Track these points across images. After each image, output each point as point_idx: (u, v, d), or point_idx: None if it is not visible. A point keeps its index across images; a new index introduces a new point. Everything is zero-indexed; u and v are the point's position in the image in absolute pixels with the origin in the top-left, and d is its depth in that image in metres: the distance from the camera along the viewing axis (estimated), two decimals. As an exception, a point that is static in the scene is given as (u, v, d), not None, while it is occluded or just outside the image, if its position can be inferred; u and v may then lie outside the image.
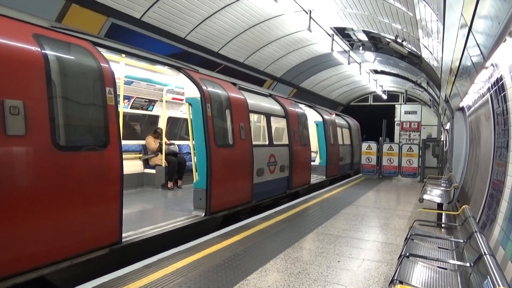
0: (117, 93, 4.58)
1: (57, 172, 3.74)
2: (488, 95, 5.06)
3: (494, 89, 4.57)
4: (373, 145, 15.65)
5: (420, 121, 24.45)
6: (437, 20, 6.32)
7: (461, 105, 8.80)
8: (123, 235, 4.61)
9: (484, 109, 5.69)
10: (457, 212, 5.44)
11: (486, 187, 5.14)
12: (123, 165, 4.49)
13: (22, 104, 3.42)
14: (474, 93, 6.32)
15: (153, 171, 8.91)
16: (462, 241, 3.92)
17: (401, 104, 24.86)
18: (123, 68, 6.22)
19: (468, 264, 3.11)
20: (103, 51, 4.78)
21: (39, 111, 3.60)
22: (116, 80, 4.62)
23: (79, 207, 3.98)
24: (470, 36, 3.85)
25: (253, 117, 9.94)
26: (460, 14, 3.85)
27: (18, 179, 3.43)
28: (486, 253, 2.81)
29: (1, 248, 3.27)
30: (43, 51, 3.74)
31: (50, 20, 4.89)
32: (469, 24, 3.62)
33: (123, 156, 4.65)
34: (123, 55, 5.51)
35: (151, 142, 8.94)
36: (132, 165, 8.70)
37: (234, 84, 8.08)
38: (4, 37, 3.46)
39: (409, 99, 23.93)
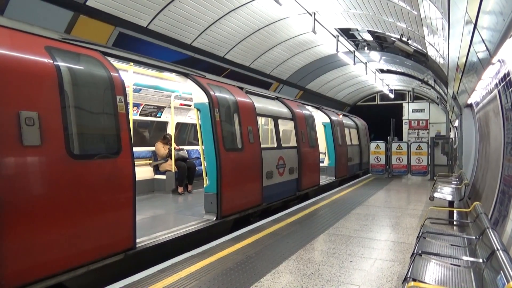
0: (127, 101, 4.67)
1: (72, 180, 3.82)
2: (496, 91, 5.05)
3: (502, 84, 4.56)
4: (382, 145, 15.59)
5: (428, 119, 24.28)
6: (442, 18, 6.32)
7: (469, 102, 8.75)
8: (137, 240, 4.68)
9: (493, 105, 5.67)
10: (469, 209, 5.41)
11: (497, 183, 5.12)
12: (135, 171, 4.57)
13: (37, 115, 3.51)
14: (482, 89, 6.29)
15: (163, 176, 8.99)
16: (474, 237, 3.91)
17: (408, 102, 24.73)
18: (132, 76, 6.32)
19: (481, 260, 3.11)
20: (112, 60, 4.87)
21: (53, 121, 3.69)
22: (125, 88, 4.70)
23: (94, 214, 4.06)
24: (476, 32, 3.86)
25: (261, 120, 9.99)
26: (464, 11, 3.87)
27: (35, 188, 3.52)
28: (499, 248, 2.81)
29: (21, 256, 3.36)
30: (55, 63, 3.84)
31: (60, 32, 5.00)
32: (474, 21, 3.64)
33: (134, 163, 4.72)
34: (132, 64, 5.60)
35: (161, 148, 9.03)
36: (142, 172, 8.80)
37: (241, 88, 8.14)
38: (19, 51, 3.57)
39: (417, 97, 23.81)
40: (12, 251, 3.29)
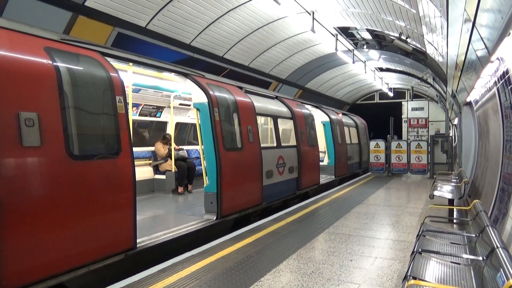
0: (126, 101, 4.67)
1: (72, 181, 3.82)
2: (495, 89, 5.05)
3: (500, 82, 4.57)
4: (381, 143, 15.60)
5: (428, 117, 24.30)
6: (441, 16, 6.32)
7: (468, 100, 8.76)
8: (137, 240, 4.68)
9: (492, 103, 5.68)
10: (469, 207, 5.42)
11: (497, 181, 5.13)
12: (135, 172, 4.57)
13: (36, 116, 3.52)
14: (481, 87, 6.30)
15: (163, 176, 8.99)
16: (474, 235, 3.92)
17: (407, 100, 24.73)
18: (131, 76, 6.31)
19: (480, 258, 3.12)
20: (112, 61, 4.87)
21: (53, 122, 3.69)
22: (125, 89, 4.70)
23: (95, 214, 4.07)
24: (474, 30, 3.87)
25: (261, 120, 9.99)
26: (463, 9, 3.87)
27: (35, 189, 3.53)
28: (499, 246, 2.82)
29: (22, 257, 3.36)
30: (54, 64, 3.84)
31: (59, 32, 5.00)
32: (472, 19, 3.65)
33: (133, 163, 4.71)
34: (131, 64, 5.60)
35: (160, 148, 9.03)
36: (142, 172, 8.80)
37: (241, 88, 8.15)
38: (18, 52, 3.57)
39: (416, 96, 23.80)
40: (13, 251, 3.29)
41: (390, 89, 23.16)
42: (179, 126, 10.75)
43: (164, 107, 9.51)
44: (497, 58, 4.12)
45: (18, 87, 3.46)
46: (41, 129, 3.54)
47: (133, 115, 8.46)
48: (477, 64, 4.80)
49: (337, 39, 11.70)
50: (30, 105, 3.51)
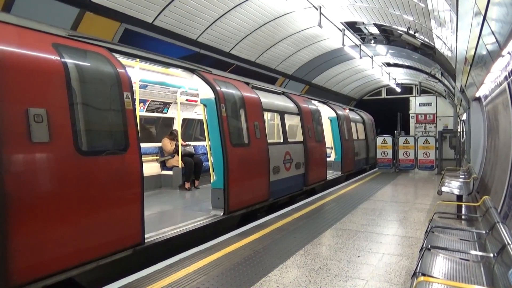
0: (134, 97, 4.68)
1: (80, 176, 3.85)
2: (505, 84, 4.98)
3: (511, 77, 4.50)
4: (389, 139, 15.50)
5: (436, 113, 24.04)
6: (450, 10, 6.24)
7: (477, 95, 8.65)
8: (145, 236, 4.71)
9: (502, 98, 5.60)
10: (478, 203, 5.36)
11: (507, 177, 5.06)
12: (143, 167, 4.59)
13: (45, 112, 3.54)
14: (491, 82, 6.21)
15: (170, 172, 9.03)
16: (484, 232, 3.88)
17: (415, 96, 24.51)
18: (138, 72, 6.32)
19: (491, 255, 3.08)
20: (119, 57, 4.87)
21: (62, 118, 3.71)
22: (132, 85, 4.71)
23: (103, 210, 4.09)
24: (485, 24, 3.80)
25: (267, 116, 9.97)
26: (473, 2, 3.81)
27: (44, 184, 3.55)
28: (510, 243, 2.79)
29: (31, 252, 3.40)
30: (62, 60, 3.85)
31: (67, 29, 5.01)
32: (483, 12, 3.58)
33: (140, 159, 4.72)
34: (138, 60, 5.61)
35: (167, 144, 9.06)
36: (149, 167, 8.83)
37: (247, 84, 8.12)
38: (27, 48, 3.59)
39: (424, 91, 23.58)
40: (23, 246, 3.32)
41: (397, 84, 22.98)
42: (186, 122, 10.76)
43: (171, 103, 9.52)
44: (508, 52, 4.05)
45: (26, 83, 3.48)
46: (49, 125, 3.56)
47: (140, 111, 8.48)
48: (487, 59, 4.73)
49: (344, 34, 11.61)
50: (39, 101, 3.53)
